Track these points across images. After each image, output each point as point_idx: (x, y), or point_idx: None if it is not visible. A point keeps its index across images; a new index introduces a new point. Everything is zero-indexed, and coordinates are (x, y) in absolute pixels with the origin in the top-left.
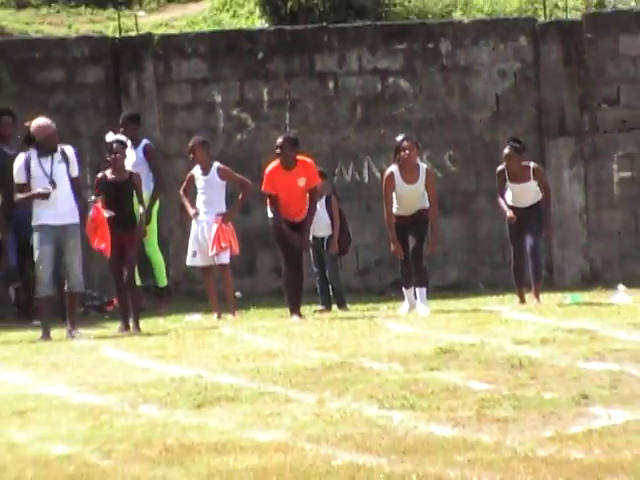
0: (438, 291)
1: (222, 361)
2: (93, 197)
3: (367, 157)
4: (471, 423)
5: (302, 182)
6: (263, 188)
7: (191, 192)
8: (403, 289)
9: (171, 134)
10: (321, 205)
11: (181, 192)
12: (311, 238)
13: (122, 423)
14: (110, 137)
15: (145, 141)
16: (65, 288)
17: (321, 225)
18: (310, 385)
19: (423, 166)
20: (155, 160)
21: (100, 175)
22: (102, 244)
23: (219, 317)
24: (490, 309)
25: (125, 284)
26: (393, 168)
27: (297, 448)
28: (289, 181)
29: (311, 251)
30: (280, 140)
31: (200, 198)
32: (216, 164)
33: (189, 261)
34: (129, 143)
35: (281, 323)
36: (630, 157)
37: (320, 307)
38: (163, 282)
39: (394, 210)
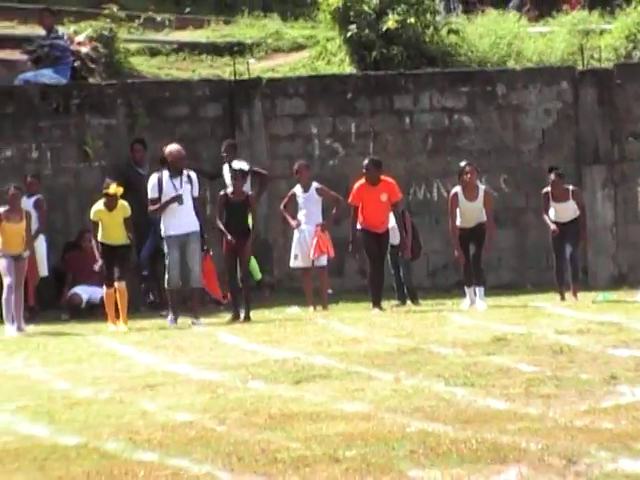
0: (493, 290)
1: (316, 345)
2: (205, 248)
3: (436, 180)
4: (520, 398)
5: (384, 197)
6: (350, 200)
7: (290, 207)
8: (465, 288)
9: (276, 160)
10: (396, 218)
11: (282, 207)
12: (389, 246)
13: (234, 395)
14: (236, 165)
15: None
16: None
17: (396, 235)
18: (388, 366)
19: (482, 187)
20: (251, 171)
21: (222, 193)
22: (214, 292)
23: (314, 309)
24: (536, 305)
25: (240, 281)
26: (457, 189)
27: (377, 417)
28: (373, 195)
29: (389, 256)
30: (366, 161)
31: (301, 211)
32: (315, 184)
33: (292, 263)
34: (226, 166)
35: (365, 315)
36: None
37: (396, 302)
38: (258, 276)
39: (458, 223)
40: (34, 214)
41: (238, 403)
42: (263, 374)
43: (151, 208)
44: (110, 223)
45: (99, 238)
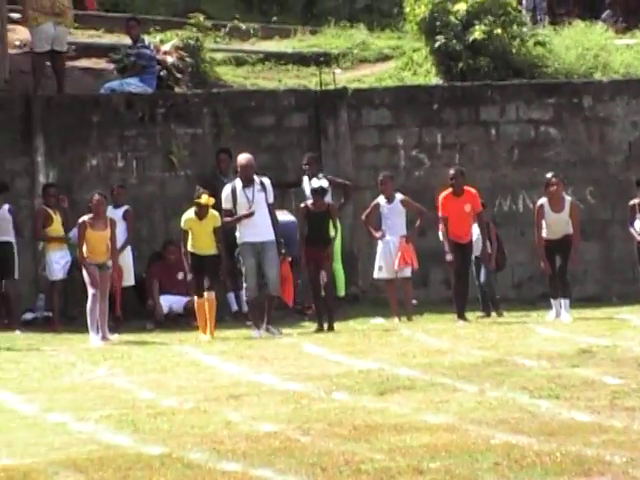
0: (578, 302)
1: (401, 357)
2: (283, 251)
3: (522, 191)
4: (605, 411)
5: (468, 208)
6: (440, 212)
7: (373, 218)
8: (551, 299)
9: (361, 170)
10: (480, 229)
11: (363, 218)
12: (474, 258)
13: (318, 406)
14: (315, 183)
15: (321, 175)
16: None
17: (479, 246)
18: (473, 377)
19: (568, 199)
20: (333, 183)
21: (303, 205)
22: (287, 299)
23: (399, 320)
24: (622, 317)
25: (324, 291)
26: (543, 200)
27: (462, 429)
28: (458, 206)
29: (473, 267)
30: (453, 171)
31: (385, 223)
32: (399, 195)
33: (376, 274)
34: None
35: (449, 326)
36: None
37: (481, 314)
38: (341, 292)
39: (544, 234)
40: (122, 225)
41: (322, 414)
42: (347, 385)
43: (226, 220)
44: (200, 232)
45: (189, 248)
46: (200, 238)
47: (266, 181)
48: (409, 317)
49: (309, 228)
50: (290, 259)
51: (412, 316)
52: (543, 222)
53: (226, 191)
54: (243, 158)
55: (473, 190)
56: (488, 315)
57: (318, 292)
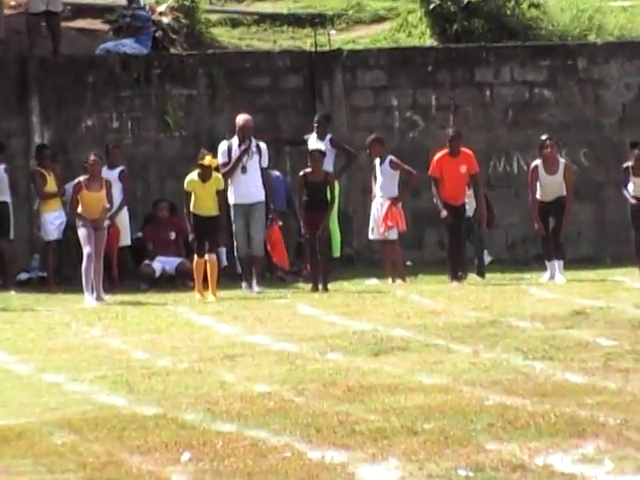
0: (572, 264)
1: (395, 318)
2: (271, 216)
3: (516, 153)
4: (599, 372)
5: (464, 169)
6: (430, 171)
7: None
8: (545, 261)
9: (356, 131)
10: (475, 191)
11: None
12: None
13: (313, 367)
14: (313, 145)
15: (329, 135)
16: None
17: (472, 208)
18: (467, 339)
19: (562, 161)
20: (339, 147)
21: (302, 174)
22: (281, 261)
23: (392, 281)
24: (615, 279)
25: (319, 253)
26: (537, 162)
27: (456, 390)
28: (453, 167)
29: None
30: (451, 132)
31: (377, 183)
32: (389, 157)
33: (370, 235)
34: (314, 137)
35: (444, 287)
36: None
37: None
38: (337, 253)
39: (538, 196)
40: (118, 186)
41: (316, 375)
42: (342, 346)
43: (222, 171)
44: (203, 194)
45: (191, 208)
46: (203, 200)
47: (262, 145)
48: (402, 278)
49: (307, 195)
50: (280, 223)
51: (405, 277)
52: (537, 184)
53: (222, 147)
54: (241, 119)
55: (469, 151)
56: (483, 277)
57: (314, 253)
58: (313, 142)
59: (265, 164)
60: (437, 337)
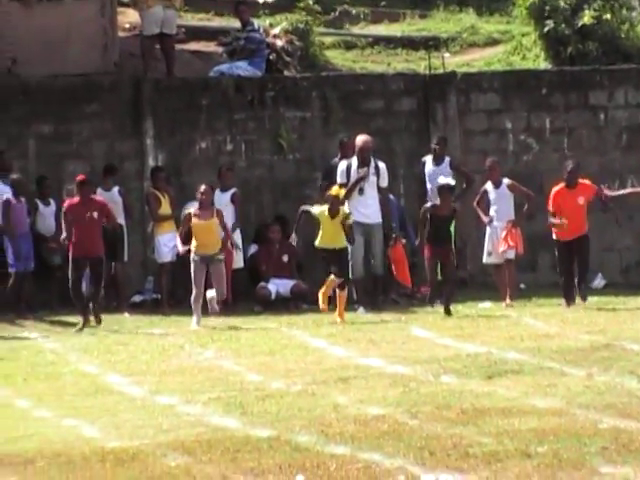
0: None
1: (509, 340)
2: (395, 236)
3: (630, 176)
4: None
5: (581, 201)
6: (550, 207)
7: (482, 203)
8: None
9: (470, 154)
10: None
11: (475, 204)
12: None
13: (426, 390)
14: (442, 180)
15: (448, 158)
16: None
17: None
18: (581, 362)
19: None
20: (458, 170)
21: (428, 206)
22: (404, 280)
23: (506, 304)
24: None
25: (447, 279)
26: None
27: (570, 413)
28: (571, 199)
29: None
30: (571, 165)
31: (492, 208)
32: (505, 180)
33: (485, 259)
34: (430, 159)
35: (557, 310)
36: None
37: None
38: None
39: None
40: (230, 208)
41: (430, 397)
42: (455, 368)
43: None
44: (330, 228)
45: (317, 243)
46: (329, 234)
47: (381, 165)
48: (512, 299)
49: (432, 228)
50: (404, 241)
51: (514, 298)
52: None
53: (341, 167)
54: (361, 140)
55: (588, 182)
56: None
57: (435, 283)
58: (429, 164)
59: (384, 184)
60: (551, 360)
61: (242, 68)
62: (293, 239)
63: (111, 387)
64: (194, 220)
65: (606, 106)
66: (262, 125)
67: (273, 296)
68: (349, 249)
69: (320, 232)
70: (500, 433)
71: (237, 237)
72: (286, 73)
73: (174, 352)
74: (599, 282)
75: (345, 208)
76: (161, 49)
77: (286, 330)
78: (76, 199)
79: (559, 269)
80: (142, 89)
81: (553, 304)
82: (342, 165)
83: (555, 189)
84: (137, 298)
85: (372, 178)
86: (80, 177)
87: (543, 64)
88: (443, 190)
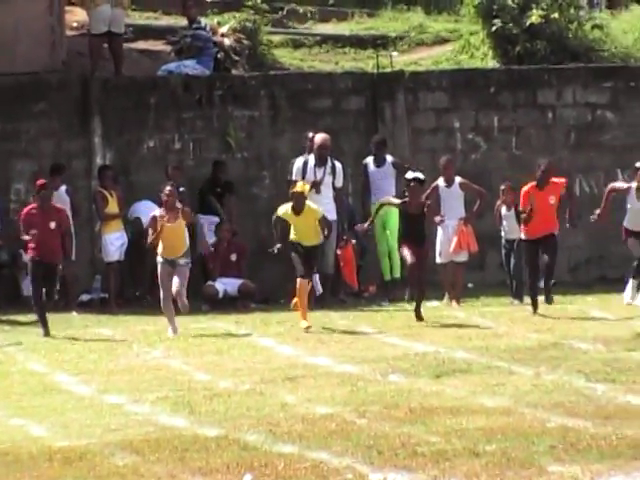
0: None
1: (457, 339)
2: (345, 237)
3: (579, 175)
4: None
5: (552, 200)
6: (521, 205)
7: (432, 199)
8: (631, 279)
9: (418, 153)
10: (512, 215)
11: (425, 199)
12: (505, 241)
13: (374, 389)
14: (410, 175)
15: (391, 158)
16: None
17: (512, 230)
18: (529, 361)
19: None
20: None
21: (402, 202)
22: (351, 281)
23: (450, 303)
24: None
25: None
26: (633, 184)
27: (518, 412)
28: (541, 199)
29: (503, 252)
30: (545, 164)
31: (444, 206)
32: (458, 178)
33: (437, 259)
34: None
35: (505, 309)
36: None
37: (513, 299)
38: (397, 274)
39: (625, 223)
40: None
41: (378, 396)
42: (403, 367)
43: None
44: (300, 226)
45: (291, 237)
46: (301, 231)
47: (338, 165)
48: (457, 300)
49: (406, 227)
50: (354, 242)
51: (460, 299)
52: (628, 207)
53: (298, 164)
54: (320, 138)
55: (561, 180)
56: (521, 300)
57: (414, 283)
58: (371, 166)
59: (339, 184)
60: (499, 359)
61: (190, 67)
62: (276, 248)
63: (59, 386)
64: (160, 222)
65: (554, 105)
66: (210, 124)
67: (221, 295)
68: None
69: (292, 229)
70: (448, 432)
71: None
72: (234, 72)
73: (122, 351)
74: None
75: (312, 205)
76: (109, 48)
77: (234, 329)
78: (34, 206)
79: (528, 269)
80: (90, 88)
81: (501, 303)
82: (299, 162)
83: (525, 188)
84: (85, 297)
85: (328, 178)
86: (40, 182)
87: (491, 63)
88: (412, 185)
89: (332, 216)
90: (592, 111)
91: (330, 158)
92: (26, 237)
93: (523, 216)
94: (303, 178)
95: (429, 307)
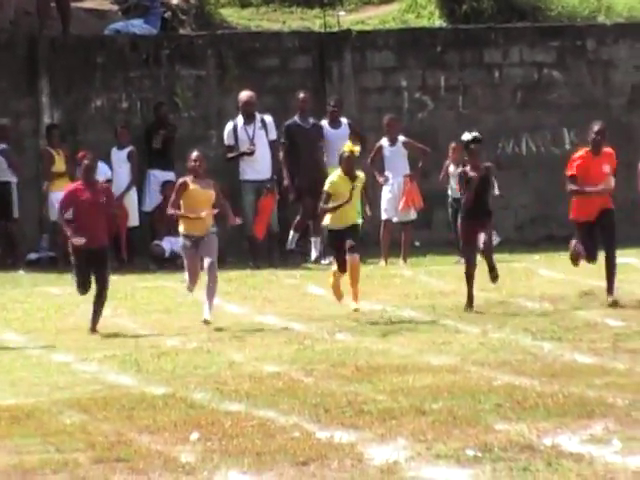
0: None
1: (403, 298)
2: (268, 187)
3: (525, 134)
4: (607, 353)
5: (607, 168)
6: (569, 173)
7: (378, 160)
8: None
9: (365, 112)
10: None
11: (368, 161)
12: (452, 200)
13: (321, 347)
14: (467, 136)
15: (347, 120)
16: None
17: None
18: (476, 319)
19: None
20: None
21: (461, 170)
22: (259, 228)
23: (386, 263)
24: (624, 260)
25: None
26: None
27: (464, 370)
28: (596, 166)
29: (450, 210)
30: (598, 127)
31: (388, 165)
32: (401, 137)
33: (384, 215)
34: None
35: (452, 268)
36: None
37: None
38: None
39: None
40: (127, 166)
41: (325, 355)
42: (350, 326)
43: (227, 156)
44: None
45: (327, 222)
46: (346, 208)
47: (267, 118)
48: (405, 259)
49: (471, 198)
50: (277, 196)
51: (407, 258)
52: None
53: (228, 127)
54: (244, 95)
55: (611, 150)
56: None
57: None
58: (327, 128)
59: (273, 137)
60: (445, 317)
61: (137, 26)
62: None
63: (7, 345)
64: (190, 188)
65: (501, 64)
66: (157, 83)
67: (167, 254)
68: (242, 207)
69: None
70: (395, 390)
71: (133, 195)
72: (181, 31)
73: (70, 310)
74: (494, 240)
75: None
76: (56, 7)
77: (181, 288)
78: None
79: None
80: (37, 47)
81: (448, 262)
82: (228, 126)
83: (579, 153)
84: (33, 256)
85: (260, 132)
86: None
87: (438, 22)
88: (472, 146)
89: (268, 173)
90: (538, 70)
91: (258, 113)
92: None
93: (573, 188)
94: (236, 140)
95: (376, 266)
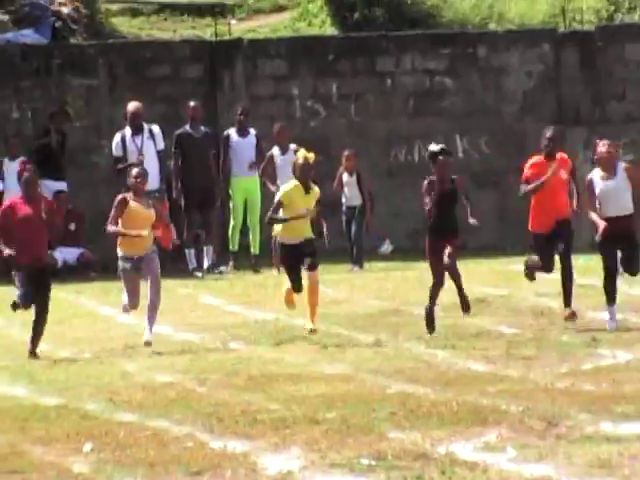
0: (474, 252)
1: (298, 307)
2: (157, 195)
3: (418, 141)
4: (501, 360)
5: (564, 174)
6: (523, 177)
7: (270, 169)
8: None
9: (257, 120)
10: (354, 181)
11: (259, 171)
12: (346, 208)
13: (214, 357)
14: (434, 147)
15: (253, 130)
16: None
17: (355, 196)
18: (369, 327)
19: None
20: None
21: (428, 181)
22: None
23: (278, 272)
24: (516, 268)
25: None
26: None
27: (358, 379)
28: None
29: (344, 219)
30: (551, 131)
31: (280, 174)
32: (292, 145)
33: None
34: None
35: (345, 276)
36: (633, 143)
37: (353, 266)
38: (256, 250)
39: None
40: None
41: (218, 364)
42: (243, 335)
43: (118, 167)
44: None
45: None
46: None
47: (155, 128)
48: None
49: (437, 212)
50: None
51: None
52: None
53: (116, 139)
54: (131, 106)
55: (565, 155)
56: (361, 267)
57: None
58: (234, 136)
59: (161, 147)
60: (339, 326)
61: (28, 36)
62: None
63: None
64: (130, 206)
65: (393, 72)
66: (48, 93)
67: (60, 264)
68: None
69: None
70: (288, 399)
71: None
72: (72, 40)
73: None
74: (387, 248)
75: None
76: None
77: (74, 299)
78: None
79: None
80: None
81: (341, 270)
82: (116, 137)
83: (532, 161)
84: None
85: (149, 143)
86: None
87: (329, 30)
88: (441, 158)
89: (155, 183)
90: (430, 78)
91: (146, 123)
92: None
93: (527, 188)
94: (124, 151)
95: (270, 275)
